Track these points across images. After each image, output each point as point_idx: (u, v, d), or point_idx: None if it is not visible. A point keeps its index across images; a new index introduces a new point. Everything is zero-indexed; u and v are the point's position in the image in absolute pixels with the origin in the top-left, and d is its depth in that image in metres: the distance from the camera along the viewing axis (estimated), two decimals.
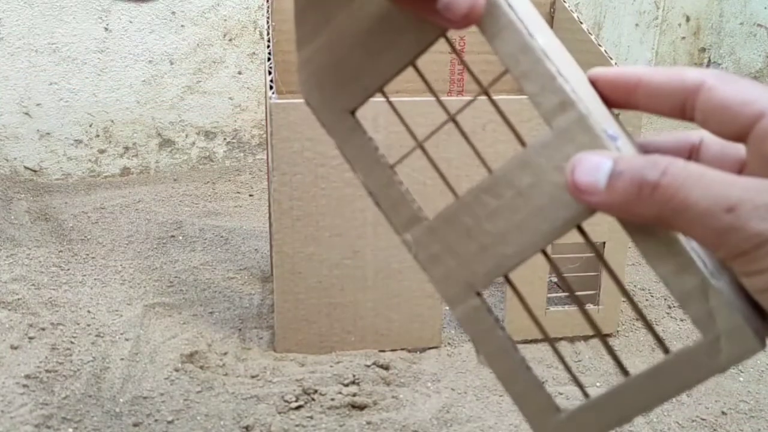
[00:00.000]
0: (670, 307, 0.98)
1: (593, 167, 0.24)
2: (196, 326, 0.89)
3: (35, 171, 1.47)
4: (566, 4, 1.03)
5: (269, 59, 0.83)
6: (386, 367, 0.81)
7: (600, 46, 0.91)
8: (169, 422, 0.71)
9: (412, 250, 0.29)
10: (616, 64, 0.86)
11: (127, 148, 1.52)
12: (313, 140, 0.77)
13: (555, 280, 0.96)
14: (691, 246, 0.24)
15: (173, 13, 1.48)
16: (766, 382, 0.81)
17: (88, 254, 1.10)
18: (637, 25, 2.14)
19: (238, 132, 1.59)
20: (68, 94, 1.45)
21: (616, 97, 0.28)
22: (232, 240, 1.18)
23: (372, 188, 0.29)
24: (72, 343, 0.83)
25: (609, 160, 0.24)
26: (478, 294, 0.28)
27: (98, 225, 1.23)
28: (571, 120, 0.25)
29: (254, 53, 1.55)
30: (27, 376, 0.75)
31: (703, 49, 2.28)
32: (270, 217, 0.88)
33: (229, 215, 1.31)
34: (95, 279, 1.01)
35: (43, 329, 0.85)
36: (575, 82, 0.25)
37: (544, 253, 0.27)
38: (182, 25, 1.49)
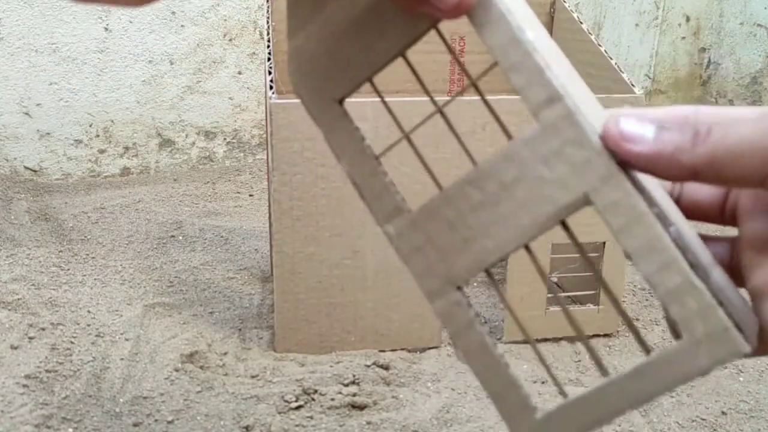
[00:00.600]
0: None
1: (639, 119, 0.24)
2: (196, 326, 0.89)
3: (35, 171, 1.47)
4: (566, 4, 1.03)
5: (269, 59, 0.83)
6: (386, 367, 0.81)
7: (600, 46, 0.91)
8: (169, 422, 0.71)
9: (394, 242, 0.29)
10: (616, 64, 0.86)
11: (127, 148, 1.52)
12: (313, 140, 0.77)
13: (555, 279, 0.96)
14: (681, 242, 0.24)
15: (173, 13, 1.48)
16: (766, 382, 0.81)
17: (88, 254, 1.10)
18: (637, 25, 2.14)
19: (238, 132, 1.59)
20: (68, 94, 1.45)
21: None
22: (232, 240, 1.18)
23: (356, 178, 0.29)
24: (72, 343, 0.83)
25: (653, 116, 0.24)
26: (459, 288, 0.28)
27: (98, 225, 1.23)
28: (558, 114, 0.25)
29: (254, 53, 1.55)
30: (27, 376, 0.75)
31: (703, 49, 2.28)
32: (270, 217, 0.88)
33: (229, 215, 1.31)
34: (95, 279, 1.01)
35: (43, 329, 0.85)
36: (565, 77, 0.25)
37: (527, 248, 0.27)
38: (182, 25, 1.49)
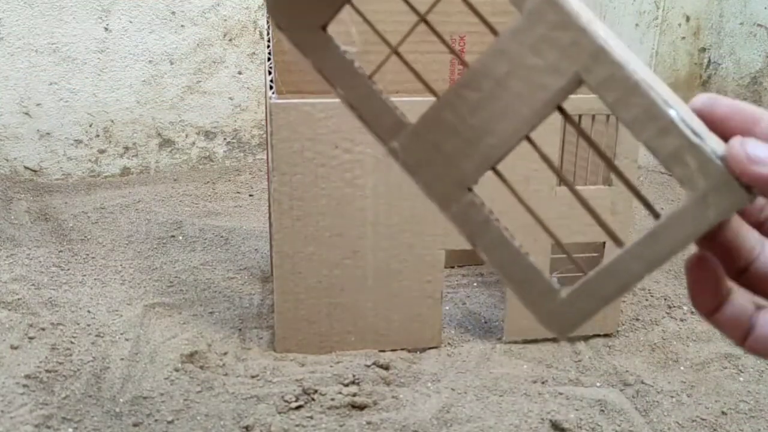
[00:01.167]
0: (670, 307, 0.98)
1: (764, 144, 0.24)
2: (196, 326, 0.89)
3: (35, 171, 1.47)
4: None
5: (269, 59, 0.83)
6: (386, 367, 0.81)
7: None
8: (169, 422, 0.71)
9: (399, 156, 0.29)
10: None
11: (127, 148, 1.52)
12: (313, 140, 0.77)
13: (555, 280, 0.96)
14: (673, 111, 0.24)
15: (173, 13, 1.48)
16: (766, 382, 0.81)
17: (88, 254, 1.10)
18: (637, 25, 2.14)
19: (238, 132, 1.59)
20: (68, 94, 1.45)
21: (731, 130, 0.27)
22: (232, 240, 1.18)
23: (353, 101, 0.29)
24: (72, 343, 0.83)
25: None
26: (470, 190, 0.28)
27: (98, 225, 1.23)
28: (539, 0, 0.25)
29: (254, 53, 1.55)
30: (27, 376, 0.75)
31: (703, 49, 2.28)
32: (270, 217, 0.88)
33: (229, 215, 1.31)
34: (95, 279, 1.01)
35: (43, 329, 0.85)
36: None
37: (529, 139, 0.27)
38: (182, 25, 1.49)
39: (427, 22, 0.30)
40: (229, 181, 1.49)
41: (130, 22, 1.46)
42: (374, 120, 0.29)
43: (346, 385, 0.77)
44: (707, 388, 0.79)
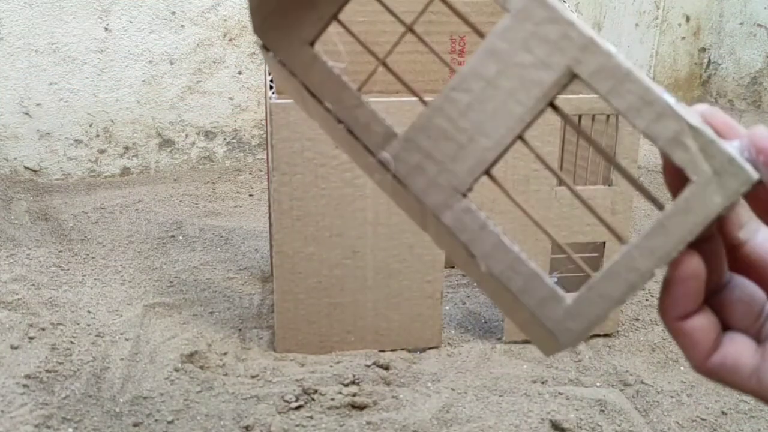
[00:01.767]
0: None
1: None
2: (196, 326, 0.89)
3: (35, 171, 1.47)
4: (566, 4, 1.03)
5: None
6: (386, 367, 0.81)
7: None
8: (169, 422, 0.71)
9: (392, 166, 0.28)
10: None
11: (127, 148, 1.52)
12: (313, 140, 0.77)
13: (555, 280, 0.96)
14: (668, 96, 0.24)
15: (173, 13, 1.48)
16: None
17: (88, 254, 1.10)
18: (637, 25, 2.14)
19: (238, 132, 1.59)
20: (68, 94, 1.45)
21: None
22: (232, 240, 1.18)
23: (342, 114, 0.29)
24: (72, 343, 0.83)
25: None
26: (464, 195, 0.27)
27: (98, 225, 1.23)
28: None
29: (254, 53, 1.55)
30: (27, 376, 0.75)
31: (703, 49, 2.28)
32: (270, 217, 0.88)
33: (229, 215, 1.31)
34: (95, 279, 1.01)
35: (43, 329, 0.85)
36: None
37: (523, 139, 0.27)
38: (182, 25, 1.49)
39: (413, 32, 0.30)
40: (229, 181, 1.49)
41: (130, 22, 1.46)
42: (363, 131, 0.29)
43: (346, 385, 0.77)
44: (707, 388, 0.79)
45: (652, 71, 2.20)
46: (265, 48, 0.30)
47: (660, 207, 0.25)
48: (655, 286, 1.04)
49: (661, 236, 0.24)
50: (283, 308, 0.83)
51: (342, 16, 0.30)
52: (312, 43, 0.29)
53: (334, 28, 0.30)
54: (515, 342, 0.88)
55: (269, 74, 0.82)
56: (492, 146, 0.27)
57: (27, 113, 1.44)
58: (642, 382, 0.81)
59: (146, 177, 1.51)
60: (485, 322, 0.94)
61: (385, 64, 0.30)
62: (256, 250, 1.14)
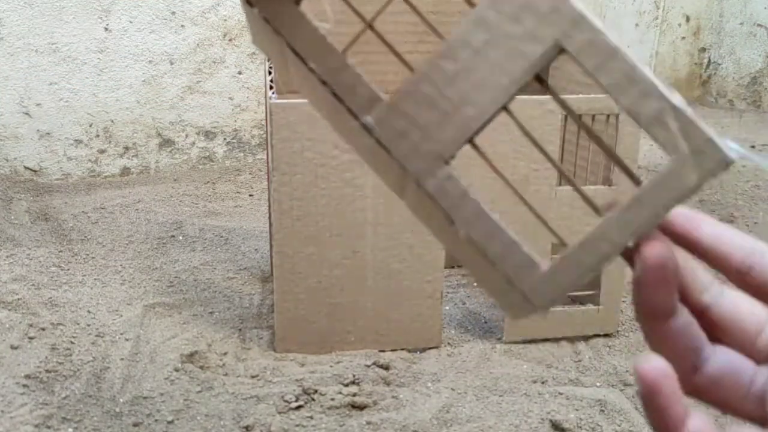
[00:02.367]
0: None
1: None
2: (196, 326, 0.89)
3: (35, 171, 1.47)
4: None
5: (269, 59, 0.83)
6: (386, 367, 0.81)
7: None
8: (169, 422, 0.71)
9: (375, 131, 0.28)
10: None
11: (127, 148, 1.52)
12: (313, 140, 0.77)
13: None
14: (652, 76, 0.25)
15: (173, 13, 1.48)
16: None
17: (88, 254, 1.10)
18: (637, 25, 2.14)
19: (238, 132, 1.59)
20: (68, 94, 1.45)
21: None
22: (232, 240, 1.18)
23: (326, 76, 0.29)
24: (72, 343, 0.83)
25: None
26: (447, 162, 0.28)
27: (98, 225, 1.23)
28: None
29: (254, 53, 1.55)
30: (27, 376, 0.75)
31: (703, 49, 2.28)
32: (270, 217, 0.88)
33: (229, 215, 1.31)
34: (95, 279, 1.01)
35: (43, 329, 0.85)
36: None
37: (506, 109, 0.27)
38: (182, 25, 1.49)
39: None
40: (229, 181, 1.49)
41: (130, 22, 1.46)
42: (348, 94, 0.29)
43: (346, 385, 0.77)
44: None
45: (652, 71, 2.20)
46: (249, 3, 0.30)
47: (637, 183, 0.25)
48: None
49: (636, 210, 0.25)
50: (283, 308, 0.83)
51: None
52: (298, 2, 0.29)
53: None
54: (515, 342, 0.88)
55: (269, 74, 0.82)
56: (476, 116, 0.27)
57: (27, 113, 1.44)
58: None
59: (146, 177, 1.51)
60: (485, 322, 0.94)
61: (371, 27, 0.30)
62: (256, 250, 1.14)
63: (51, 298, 0.93)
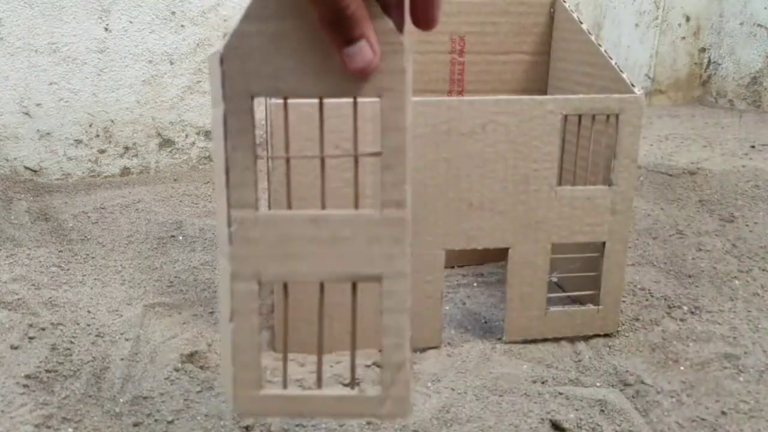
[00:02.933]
0: (670, 307, 0.98)
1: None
2: (196, 326, 0.89)
3: (35, 171, 1.47)
4: (566, 4, 1.03)
5: None
6: None
7: (600, 46, 0.91)
8: (169, 422, 0.71)
9: (233, 224, 0.33)
10: (616, 64, 0.87)
11: (127, 148, 1.52)
12: (313, 140, 0.77)
13: (555, 280, 0.96)
14: None
15: (173, 13, 1.48)
16: (766, 382, 0.81)
17: (88, 254, 1.10)
18: (637, 25, 2.14)
19: None
20: (68, 94, 1.45)
21: None
22: None
23: (231, 163, 0.33)
24: (72, 343, 0.83)
25: None
26: (259, 283, 0.34)
27: (98, 225, 1.23)
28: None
29: None
30: (27, 376, 0.75)
31: (703, 49, 2.28)
32: None
33: None
34: (95, 279, 1.01)
35: (43, 329, 0.85)
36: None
37: (321, 286, 0.37)
38: (182, 25, 1.49)
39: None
40: None
41: (130, 22, 1.46)
42: (236, 187, 0.34)
43: (346, 385, 0.77)
44: (707, 388, 0.79)
45: (652, 71, 2.20)
46: (223, 70, 0.38)
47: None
48: (655, 286, 1.04)
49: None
50: (283, 308, 0.83)
51: None
52: (252, 97, 0.35)
53: None
54: (515, 342, 0.88)
55: None
56: (304, 273, 0.37)
57: (27, 113, 1.44)
58: (642, 382, 0.81)
59: (146, 177, 1.51)
60: (485, 322, 0.94)
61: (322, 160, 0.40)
62: None
63: (51, 298, 0.93)
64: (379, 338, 0.37)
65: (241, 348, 0.34)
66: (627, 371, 0.83)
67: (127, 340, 0.85)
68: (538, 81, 1.07)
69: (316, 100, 0.34)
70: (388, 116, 0.32)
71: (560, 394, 0.77)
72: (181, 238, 1.18)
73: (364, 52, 0.31)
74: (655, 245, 1.18)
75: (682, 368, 0.84)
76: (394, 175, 0.32)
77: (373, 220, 0.33)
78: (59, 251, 1.10)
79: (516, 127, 0.77)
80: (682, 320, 0.95)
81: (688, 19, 2.21)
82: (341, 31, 0.31)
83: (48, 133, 1.46)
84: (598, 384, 0.81)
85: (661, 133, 1.86)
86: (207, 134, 1.57)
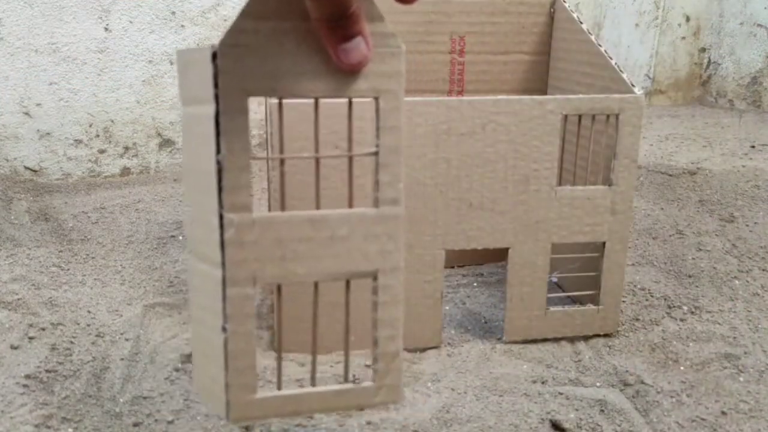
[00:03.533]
0: (670, 307, 0.98)
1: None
2: None
3: (35, 171, 1.47)
4: (566, 4, 1.03)
5: None
6: None
7: (600, 46, 0.91)
8: (169, 422, 0.71)
9: (229, 228, 0.33)
10: (616, 64, 0.87)
11: (127, 148, 1.52)
12: (313, 140, 0.77)
13: (555, 280, 0.96)
14: None
15: (173, 13, 1.48)
16: (766, 382, 0.81)
17: (88, 254, 1.10)
18: (637, 25, 2.14)
19: None
20: (68, 94, 1.45)
21: None
22: None
23: (226, 164, 0.32)
24: (72, 343, 0.83)
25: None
26: (254, 284, 0.33)
27: (98, 225, 1.23)
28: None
29: None
30: (27, 376, 0.75)
31: (703, 49, 2.28)
32: None
33: None
34: (95, 279, 1.01)
35: (43, 329, 0.85)
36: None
37: (315, 285, 0.36)
38: (182, 25, 1.49)
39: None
40: None
41: (130, 22, 1.46)
42: (231, 190, 0.33)
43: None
44: (707, 388, 0.79)
45: (652, 71, 2.20)
46: (216, 67, 0.35)
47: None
48: (655, 286, 1.04)
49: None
50: (282, 308, 0.83)
51: None
52: (248, 97, 0.35)
53: None
54: (515, 342, 0.88)
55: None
56: (300, 275, 0.37)
57: (27, 113, 1.44)
58: (642, 382, 0.81)
59: (146, 177, 1.51)
60: (485, 322, 0.94)
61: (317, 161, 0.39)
62: None
63: (51, 298, 0.93)
64: (373, 331, 0.37)
65: (236, 354, 0.33)
66: (627, 371, 0.83)
67: (127, 340, 0.85)
68: (538, 81, 1.07)
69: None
70: (384, 117, 0.32)
71: (560, 394, 0.77)
72: (181, 238, 1.18)
73: (360, 47, 0.32)
74: (655, 245, 1.18)
75: (682, 368, 0.84)
76: (390, 174, 0.32)
77: (369, 217, 0.33)
78: (59, 251, 1.10)
79: (516, 127, 0.77)
80: (682, 320, 0.95)
81: (688, 19, 2.21)
82: (341, 28, 0.31)
83: (48, 133, 1.46)
84: (598, 384, 0.81)
85: (661, 133, 1.86)
86: None
